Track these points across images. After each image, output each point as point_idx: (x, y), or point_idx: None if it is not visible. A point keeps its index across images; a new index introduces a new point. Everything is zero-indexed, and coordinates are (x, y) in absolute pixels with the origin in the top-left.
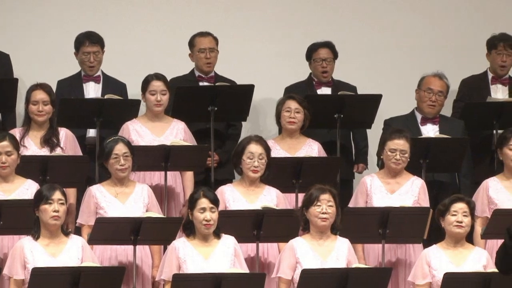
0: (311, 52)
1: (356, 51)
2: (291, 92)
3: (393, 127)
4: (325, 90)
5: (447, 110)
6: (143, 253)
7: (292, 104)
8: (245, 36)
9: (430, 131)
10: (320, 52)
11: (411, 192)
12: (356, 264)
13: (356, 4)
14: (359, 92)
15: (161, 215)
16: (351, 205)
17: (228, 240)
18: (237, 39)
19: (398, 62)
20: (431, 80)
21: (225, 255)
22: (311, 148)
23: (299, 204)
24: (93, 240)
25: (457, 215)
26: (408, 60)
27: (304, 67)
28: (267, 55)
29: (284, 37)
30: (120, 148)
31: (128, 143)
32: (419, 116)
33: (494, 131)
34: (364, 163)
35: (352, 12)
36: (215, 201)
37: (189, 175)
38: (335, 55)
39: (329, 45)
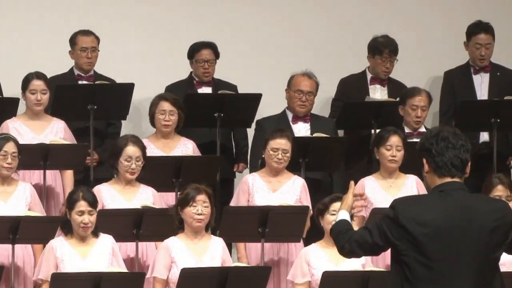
0: (193, 52)
1: (236, 50)
2: (172, 91)
3: (276, 127)
4: (206, 89)
5: (325, 110)
6: (25, 253)
7: (166, 106)
8: (125, 34)
9: (301, 129)
10: (203, 53)
11: (292, 191)
12: (236, 263)
13: (236, 3)
14: (240, 91)
15: (43, 214)
16: (232, 203)
17: (106, 239)
18: (117, 38)
19: (279, 61)
20: (300, 80)
21: (103, 254)
22: (186, 147)
23: None
24: None
25: (335, 215)
26: (289, 60)
27: (185, 66)
28: (148, 54)
29: (165, 36)
30: (10, 147)
31: (17, 143)
32: (290, 115)
33: (373, 131)
34: (245, 162)
35: (232, 11)
36: (93, 204)
37: (69, 174)
38: (217, 55)
39: (211, 46)
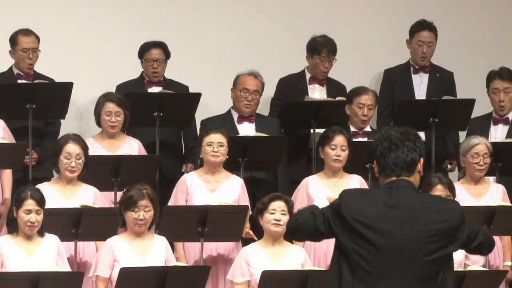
0: (143, 51)
1: (188, 51)
2: (122, 90)
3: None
4: (156, 89)
5: (264, 109)
6: None
7: (111, 107)
8: (71, 33)
9: (247, 129)
10: (152, 53)
11: (231, 190)
12: (175, 262)
13: (184, 5)
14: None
15: None
16: (170, 203)
17: (51, 239)
18: (63, 36)
19: (230, 61)
20: (246, 79)
21: (48, 254)
22: (132, 146)
23: None
24: None
25: (275, 214)
26: (231, 60)
27: (138, 65)
28: (97, 53)
29: (115, 35)
30: None
31: None
32: (235, 115)
33: (312, 130)
34: (193, 162)
35: (180, 12)
36: (41, 203)
37: (7, 174)
38: (167, 55)
39: (161, 45)
